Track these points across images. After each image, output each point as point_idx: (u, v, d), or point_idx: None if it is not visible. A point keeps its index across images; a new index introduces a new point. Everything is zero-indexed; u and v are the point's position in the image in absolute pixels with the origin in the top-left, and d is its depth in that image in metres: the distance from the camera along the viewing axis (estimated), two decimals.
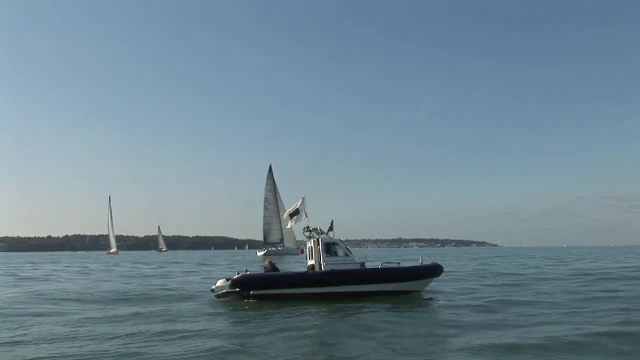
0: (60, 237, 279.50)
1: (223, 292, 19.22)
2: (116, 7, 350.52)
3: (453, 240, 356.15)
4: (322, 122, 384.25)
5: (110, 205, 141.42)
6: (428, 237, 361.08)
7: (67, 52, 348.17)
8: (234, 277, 19.20)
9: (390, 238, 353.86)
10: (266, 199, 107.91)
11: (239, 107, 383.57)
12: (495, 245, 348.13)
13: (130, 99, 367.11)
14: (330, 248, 20.09)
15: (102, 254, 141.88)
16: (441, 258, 44.20)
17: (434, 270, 21.23)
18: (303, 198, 21.65)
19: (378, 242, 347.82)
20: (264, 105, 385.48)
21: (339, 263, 19.81)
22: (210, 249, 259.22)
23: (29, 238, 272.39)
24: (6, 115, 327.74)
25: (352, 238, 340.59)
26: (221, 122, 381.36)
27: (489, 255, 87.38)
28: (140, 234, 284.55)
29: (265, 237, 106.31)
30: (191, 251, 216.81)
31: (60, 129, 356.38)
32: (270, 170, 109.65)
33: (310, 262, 20.61)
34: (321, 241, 20.10)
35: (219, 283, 19.83)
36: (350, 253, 20.45)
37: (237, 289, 18.94)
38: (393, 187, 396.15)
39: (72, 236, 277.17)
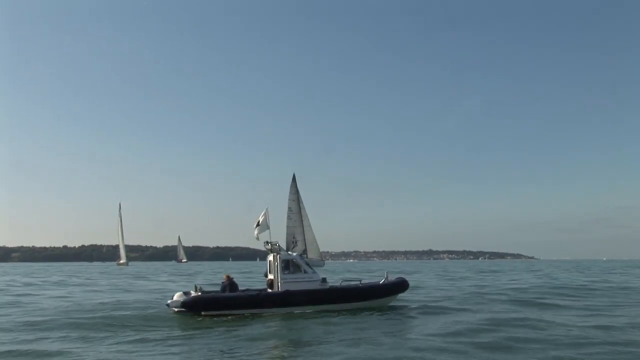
0: (77, 247, 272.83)
1: (175, 311, 18.99)
2: (128, 14, 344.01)
3: (487, 253, 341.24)
4: (347, 125, 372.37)
5: (120, 214, 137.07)
6: (460, 248, 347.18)
7: (78, 59, 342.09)
8: (183, 300, 18.91)
9: (420, 250, 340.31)
10: (289, 209, 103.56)
11: (262, 113, 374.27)
12: (532, 257, 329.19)
13: (159, 109, 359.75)
14: (288, 265, 20.10)
15: (113, 264, 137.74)
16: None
17: (397, 287, 21.17)
18: (266, 209, 21.62)
19: (407, 254, 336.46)
20: (288, 108, 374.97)
21: (297, 281, 19.78)
22: (228, 259, 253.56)
23: (45, 248, 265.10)
24: (19, 121, 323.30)
25: (381, 249, 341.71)
26: (243, 130, 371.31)
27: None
28: (159, 244, 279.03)
29: (287, 249, 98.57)
30: (207, 262, 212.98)
31: (79, 136, 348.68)
32: (293, 179, 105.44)
33: (270, 276, 20.51)
34: (279, 257, 20.08)
35: (176, 297, 19.52)
36: (311, 270, 20.39)
37: (187, 310, 18.74)
38: (423, 195, 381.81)
39: (88, 246, 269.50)
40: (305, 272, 20.04)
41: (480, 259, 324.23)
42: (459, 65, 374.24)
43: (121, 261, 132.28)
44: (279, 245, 21.04)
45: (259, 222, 21.55)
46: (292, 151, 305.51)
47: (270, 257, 20.66)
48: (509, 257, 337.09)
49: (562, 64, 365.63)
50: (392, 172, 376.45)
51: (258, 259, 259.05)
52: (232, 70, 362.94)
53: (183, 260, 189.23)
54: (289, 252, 21.02)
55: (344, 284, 21.33)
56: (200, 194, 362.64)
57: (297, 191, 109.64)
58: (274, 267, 20.19)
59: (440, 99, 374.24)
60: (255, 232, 21.46)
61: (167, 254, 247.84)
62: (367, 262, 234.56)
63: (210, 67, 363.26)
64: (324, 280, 20.29)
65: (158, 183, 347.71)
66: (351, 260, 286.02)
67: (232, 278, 20.91)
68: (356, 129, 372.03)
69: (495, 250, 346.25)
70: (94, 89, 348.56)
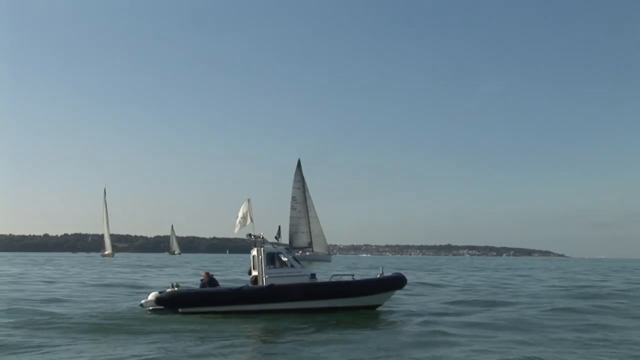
0: (59, 235, 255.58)
1: (149, 310, 17.95)
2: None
3: (512, 249, 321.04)
4: (358, 109, 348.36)
5: (105, 200, 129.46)
6: (482, 244, 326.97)
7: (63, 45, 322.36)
8: (159, 295, 18.06)
9: (437, 244, 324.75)
10: (293, 198, 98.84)
11: (268, 94, 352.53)
12: (562, 255, 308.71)
13: (154, 89, 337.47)
14: (273, 258, 19.10)
15: (97, 255, 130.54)
16: None
17: (393, 283, 19.85)
18: (248, 201, 21.07)
19: (423, 249, 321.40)
20: (295, 88, 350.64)
21: (283, 275, 18.73)
22: (225, 252, 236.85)
23: (24, 237, 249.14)
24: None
25: (394, 244, 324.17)
26: (244, 113, 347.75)
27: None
28: (151, 234, 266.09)
29: (291, 241, 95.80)
30: (203, 254, 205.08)
31: (62, 114, 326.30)
32: (299, 164, 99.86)
33: (255, 272, 19.60)
34: (263, 251, 19.08)
35: (150, 297, 18.33)
36: (299, 264, 19.55)
37: (162, 307, 17.80)
38: (442, 185, 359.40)
39: (72, 235, 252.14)
40: (292, 266, 18.93)
41: (504, 255, 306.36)
42: (486, 46, 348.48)
43: (106, 252, 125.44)
44: (263, 238, 19.90)
45: (244, 214, 20.85)
46: (298, 136, 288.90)
47: (254, 252, 19.56)
48: (536, 254, 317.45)
49: (597, 43, 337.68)
50: (407, 160, 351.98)
51: None
52: (235, 49, 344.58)
53: (176, 252, 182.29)
54: (274, 245, 20.11)
55: (335, 278, 20.16)
56: (197, 181, 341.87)
57: (303, 178, 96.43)
58: (258, 261, 19.07)
59: (461, 80, 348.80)
60: (236, 227, 20.96)
61: (158, 245, 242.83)
62: (378, 257, 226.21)
63: (212, 47, 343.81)
64: (313, 276, 19.19)
65: (151, 168, 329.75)
66: (364, 255, 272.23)
67: (212, 275, 20.09)
68: (367, 113, 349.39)
69: (521, 246, 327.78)
70: (80, 64, 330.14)
